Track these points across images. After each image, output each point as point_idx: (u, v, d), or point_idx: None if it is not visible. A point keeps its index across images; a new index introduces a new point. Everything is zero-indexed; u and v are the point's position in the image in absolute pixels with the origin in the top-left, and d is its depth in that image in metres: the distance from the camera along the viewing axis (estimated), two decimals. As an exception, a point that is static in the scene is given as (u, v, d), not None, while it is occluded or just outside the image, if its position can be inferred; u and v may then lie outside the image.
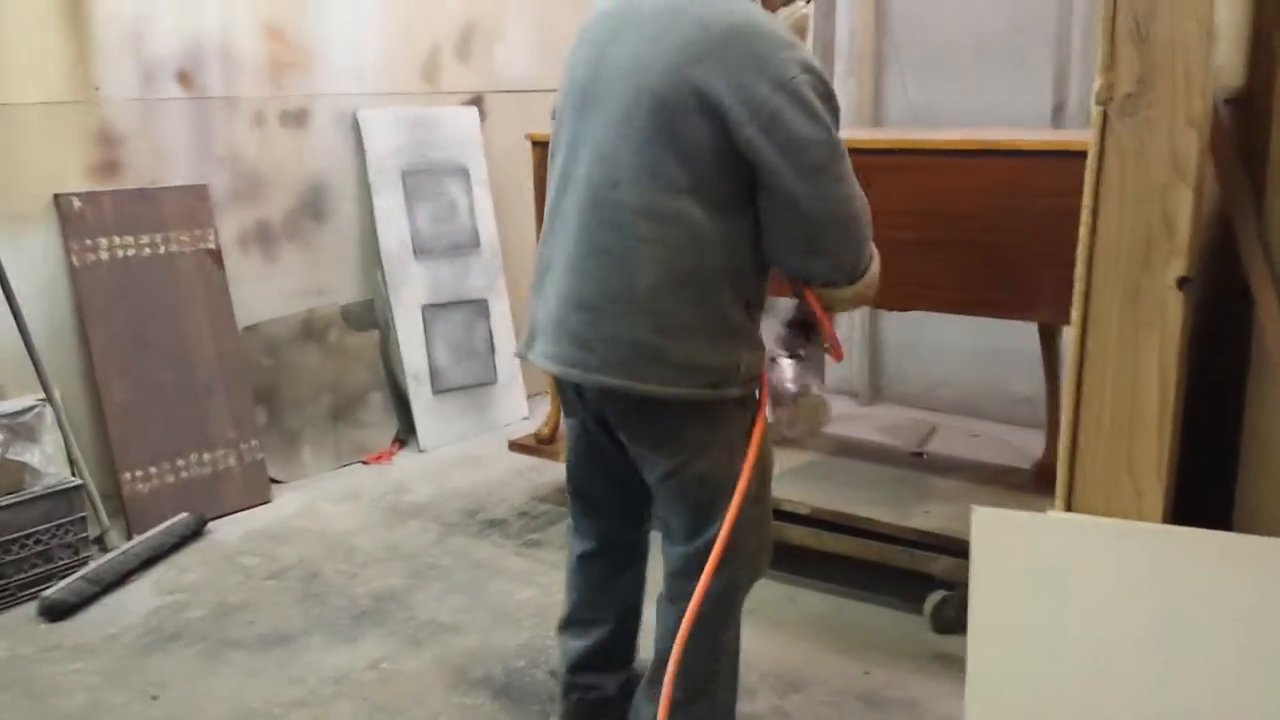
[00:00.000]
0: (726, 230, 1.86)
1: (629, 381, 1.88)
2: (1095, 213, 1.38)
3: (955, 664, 2.64)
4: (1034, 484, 3.25)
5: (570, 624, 2.32)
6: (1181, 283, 1.29)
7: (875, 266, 2.00)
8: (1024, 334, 3.73)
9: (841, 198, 1.85)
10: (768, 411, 2.04)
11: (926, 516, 2.97)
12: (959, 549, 2.87)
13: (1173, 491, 1.31)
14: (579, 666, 2.29)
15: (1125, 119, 1.34)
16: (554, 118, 2.12)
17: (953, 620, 2.81)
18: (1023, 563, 1.31)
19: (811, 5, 2.13)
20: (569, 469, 2.26)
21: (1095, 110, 1.37)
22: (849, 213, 1.88)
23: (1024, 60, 4.11)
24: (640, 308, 1.86)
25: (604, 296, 1.88)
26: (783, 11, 2.05)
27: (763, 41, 1.81)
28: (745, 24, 1.82)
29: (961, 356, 4.36)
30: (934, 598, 2.83)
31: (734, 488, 1.92)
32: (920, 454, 3.52)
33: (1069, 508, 1.39)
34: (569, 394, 2.08)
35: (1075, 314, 1.39)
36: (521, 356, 2.10)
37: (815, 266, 1.93)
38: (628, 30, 1.93)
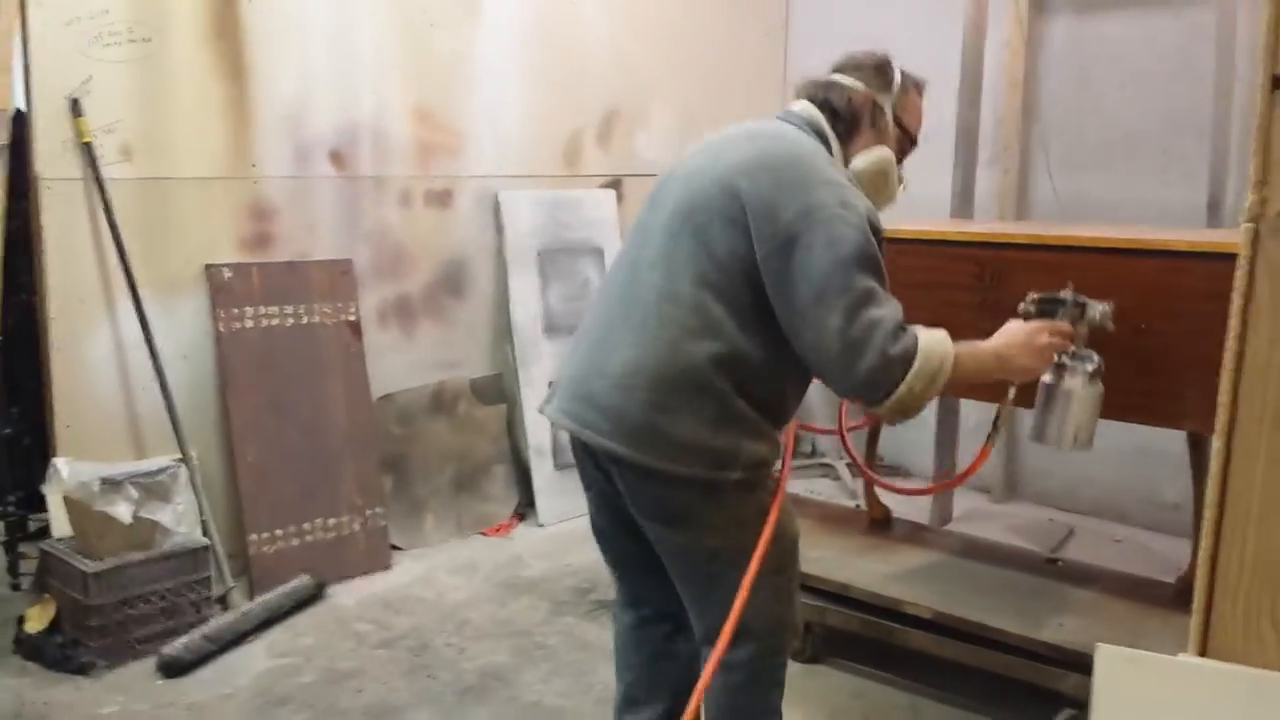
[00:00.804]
0: (741, 332, 1.91)
1: (633, 452, 1.91)
2: (1243, 338, 1.28)
3: (1080, 792, 2.48)
4: (1176, 599, 3.03)
5: (627, 705, 2.27)
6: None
7: (919, 379, 1.87)
8: (1174, 434, 3.54)
9: (836, 330, 1.84)
10: None
11: (1059, 630, 2.80)
12: (1091, 666, 2.70)
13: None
14: None
15: (1278, 238, 1.25)
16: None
17: (1081, 742, 2.64)
18: (1150, 709, 1.20)
19: (890, 153, 2.12)
20: (598, 541, 2.26)
21: (1245, 227, 1.29)
22: (846, 345, 1.84)
23: (1177, 155, 3.96)
24: (646, 384, 1.91)
25: (619, 368, 1.94)
26: (860, 157, 2.10)
27: (805, 171, 1.91)
28: (798, 156, 1.95)
29: (1106, 454, 4.14)
30: (1062, 717, 2.66)
31: (746, 564, 1.90)
32: (1055, 560, 3.34)
33: (1203, 653, 1.27)
34: (583, 456, 2.09)
35: (1218, 443, 1.29)
36: (541, 410, 2.13)
37: (834, 387, 1.94)
38: (709, 147, 2.10)
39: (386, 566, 3.76)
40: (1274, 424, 1.24)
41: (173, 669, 2.97)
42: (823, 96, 2.11)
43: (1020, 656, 2.76)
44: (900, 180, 2.16)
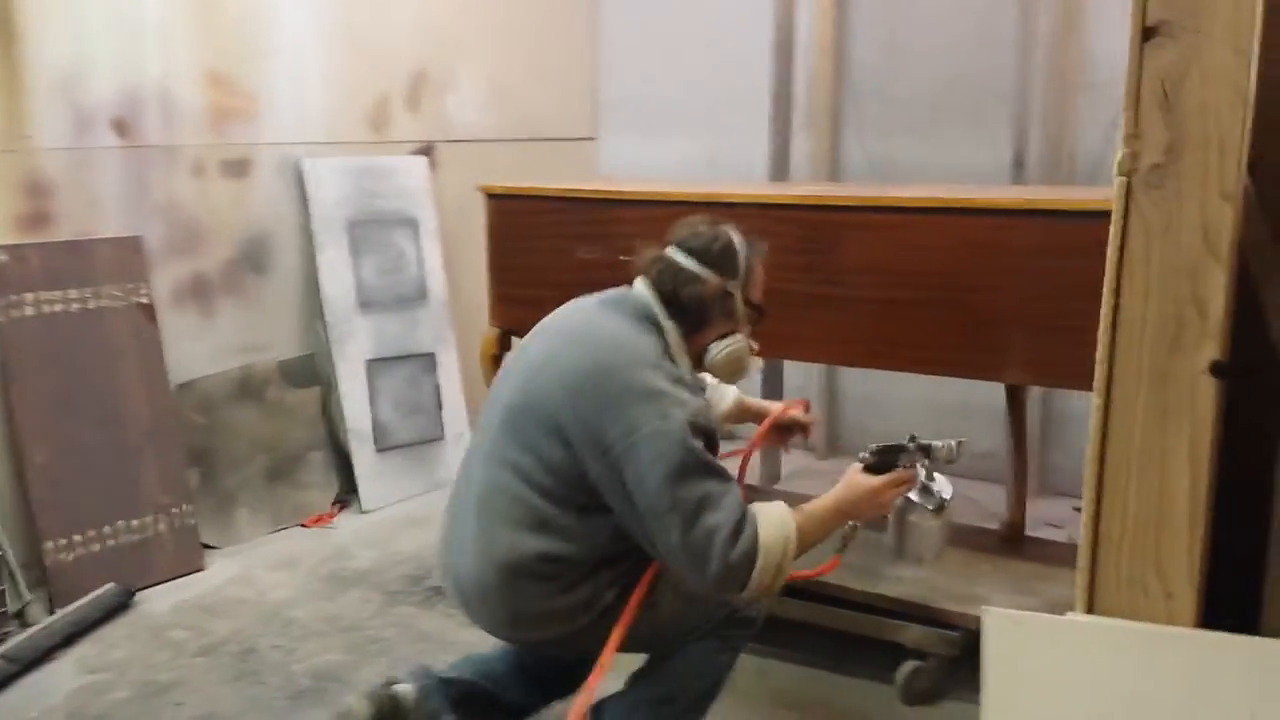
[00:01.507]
0: (575, 523, 2.04)
1: (504, 634, 2.20)
2: (1118, 291, 1.28)
3: (928, 742, 2.53)
4: (1003, 546, 3.16)
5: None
6: (1214, 367, 1.19)
7: (766, 573, 1.98)
8: (986, 388, 3.66)
9: (677, 543, 1.93)
10: None
11: (897, 583, 2.86)
12: (930, 617, 2.77)
13: (1203, 594, 1.20)
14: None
15: (1151, 191, 1.25)
16: None
17: (925, 691, 2.70)
18: (1040, 668, 1.19)
19: (742, 341, 2.22)
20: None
21: (1118, 181, 1.28)
22: (691, 556, 1.94)
23: (981, 116, 4.09)
24: (490, 577, 2.08)
25: (467, 565, 2.12)
26: (714, 348, 2.18)
27: (627, 385, 1.98)
28: (622, 368, 2.01)
29: (923, 410, 4.28)
30: (906, 668, 2.72)
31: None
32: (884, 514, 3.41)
33: (1090, 610, 1.27)
34: None
35: (1096, 400, 1.29)
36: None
37: (694, 587, 2.02)
38: (550, 339, 2.18)
39: (199, 567, 3.51)
40: (1150, 378, 1.25)
41: (-35, 697, 2.68)
42: (670, 288, 2.14)
43: (861, 611, 2.80)
44: (752, 351, 2.25)
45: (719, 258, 2.16)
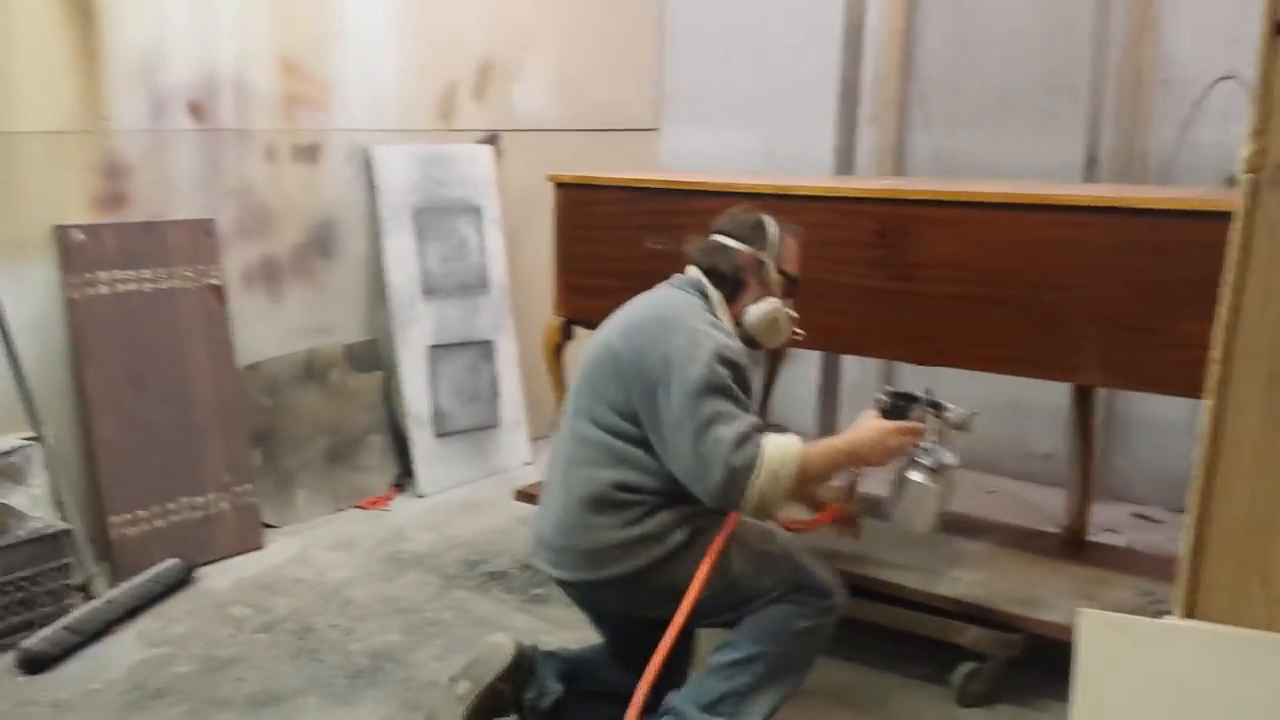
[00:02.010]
0: (637, 453, 2.26)
1: (579, 574, 2.31)
2: (1239, 291, 1.24)
3: (986, 745, 2.50)
4: (1063, 549, 3.11)
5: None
6: (1337, 372, 1.16)
7: (764, 481, 2.12)
8: (1043, 387, 3.60)
9: (688, 450, 2.14)
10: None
11: (955, 584, 2.83)
12: (987, 618, 2.73)
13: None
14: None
15: (1277, 190, 1.21)
16: None
17: (980, 694, 2.66)
18: (1134, 672, 1.16)
19: (777, 303, 2.41)
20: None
21: (1243, 179, 1.24)
22: (698, 461, 2.13)
23: (1052, 112, 4.02)
24: (572, 515, 2.29)
25: (554, 511, 2.34)
26: (751, 310, 2.39)
27: (669, 325, 2.25)
28: (666, 314, 2.30)
29: (978, 405, 4.22)
30: (962, 669, 2.68)
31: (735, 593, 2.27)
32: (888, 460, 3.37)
33: (1189, 614, 1.24)
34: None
35: (1209, 401, 1.25)
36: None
37: (700, 497, 2.18)
38: (616, 314, 2.44)
39: (259, 546, 3.56)
40: (1268, 380, 1.21)
41: (34, 664, 2.74)
42: (709, 263, 2.42)
43: (919, 611, 2.77)
44: (791, 319, 2.44)
45: (750, 231, 2.44)
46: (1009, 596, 2.76)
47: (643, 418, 2.23)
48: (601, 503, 2.24)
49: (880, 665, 2.83)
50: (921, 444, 2.41)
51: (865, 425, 2.32)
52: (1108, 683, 1.20)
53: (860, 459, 2.30)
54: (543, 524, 2.38)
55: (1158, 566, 3.00)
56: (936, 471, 2.45)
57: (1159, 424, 3.87)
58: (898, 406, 2.38)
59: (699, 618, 2.23)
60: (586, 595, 2.40)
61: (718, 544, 2.20)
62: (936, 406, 2.40)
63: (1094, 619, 1.23)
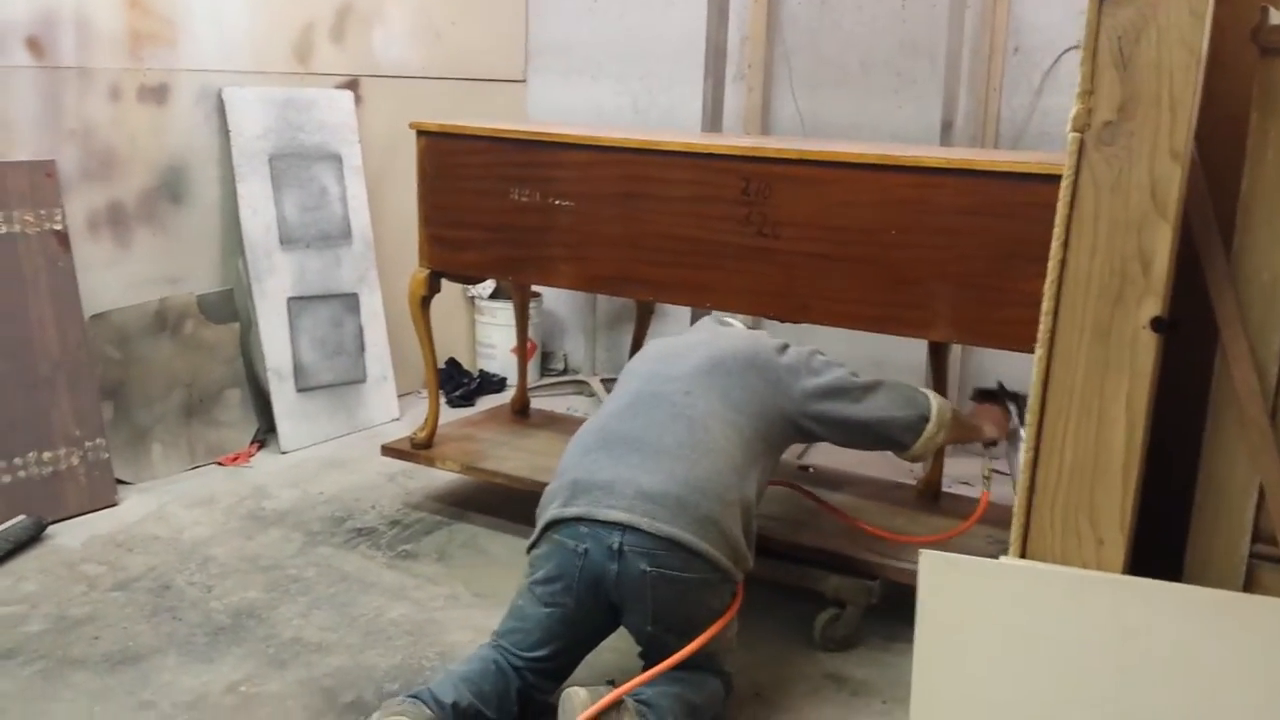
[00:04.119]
0: (747, 457, 2.46)
1: (695, 538, 2.27)
2: (1066, 245, 1.31)
3: (845, 685, 2.61)
4: (920, 500, 3.25)
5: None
6: (1155, 323, 1.24)
7: (936, 426, 2.65)
8: (906, 347, 3.73)
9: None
10: None
11: (817, 533, 2.93)
12: (848, 567, 2.84)
13: (1133, 541, 1.26)
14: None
15: (1103, 148, 1.28)
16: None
17: (840, 638, 2.77)
18: (972, 610, 1.23)
19: None
20: (558, 629, 2.31)
21: (1070, 137, 1.31)
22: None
23: (912, 77, 4.14)
24: (700, 489, 2.33)
25: (681, 477, 2.35)
26: None
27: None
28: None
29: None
30: (824, 616, 2.78)
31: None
32: (806, 467, 3.48)
33: (1023, 554, 1.32)
34: (588, 551, 2.27)
35: (1040, 351, 1.33)
36: (560, 515, 2.33)
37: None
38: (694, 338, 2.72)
39: (113, 503, 3.43)
40: (1093, 332, 1.29)
41: None
42: None
43: (782, 561, 2.86)
44: None
45: None
46: (868, 546, 2.88)
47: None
48: (727, 499, 2.31)
49: (743, 614, 2.91)
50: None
51: (985, 410, 2.86)
52: (947, 619, 1.28)
53: (975, 436, 2.82)
54: (622, 469, 2.31)
55: (1007, 515, 3.16)
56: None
57: (1010, 379, 4.05)
58: (992, 395, 2.92)
59: (683, 659, 2.27)
60: (632, 559, 2.23)
61: (739, 599, 2.38)
62: (1015, 395, 2.86)
63: (934, 559, 1.31)
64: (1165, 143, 1.23)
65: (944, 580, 1.23)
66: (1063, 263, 1.32)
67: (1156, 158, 1.24)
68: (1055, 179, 2.50)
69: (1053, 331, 1.31)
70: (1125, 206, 1.27)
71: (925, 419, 2.63)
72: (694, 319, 4.50)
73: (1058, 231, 1.32)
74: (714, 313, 2.95)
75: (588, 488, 2.30)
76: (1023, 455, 2.84)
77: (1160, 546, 1.33)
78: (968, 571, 1.23)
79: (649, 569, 2.21)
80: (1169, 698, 1.14)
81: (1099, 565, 1.25)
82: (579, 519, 2.26)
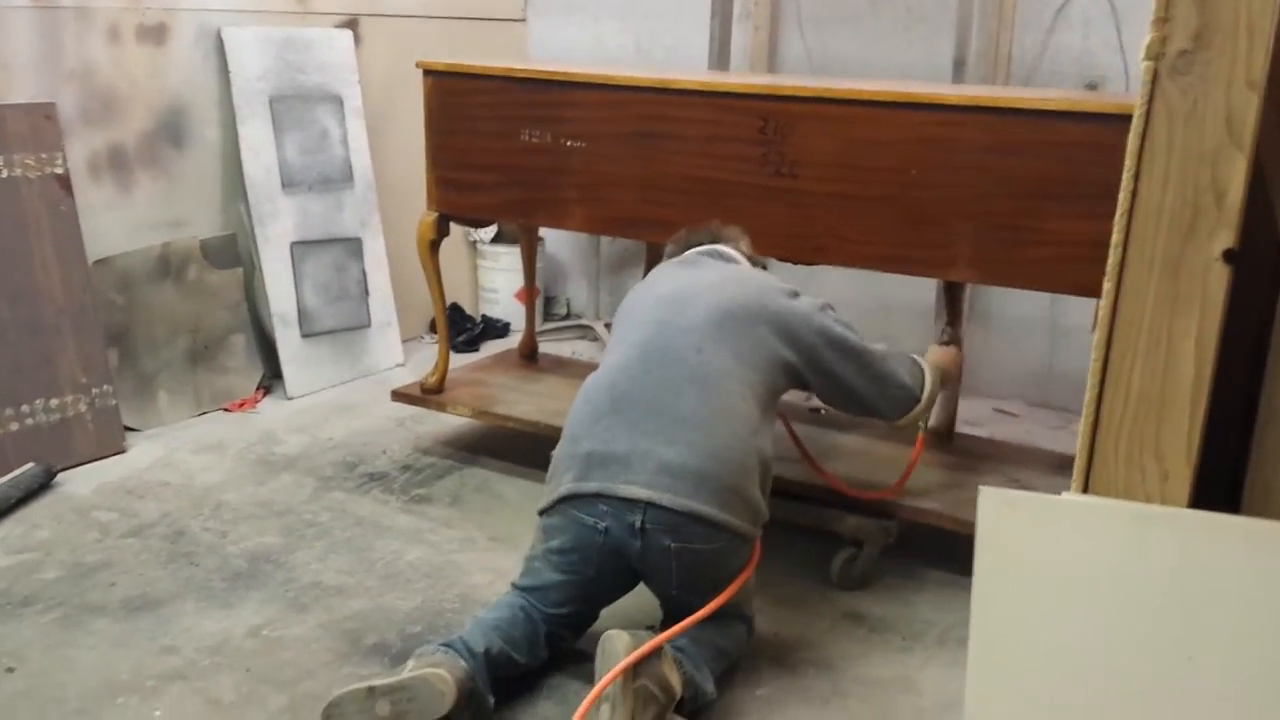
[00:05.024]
0: (762, 412, 2.42)
1: (718, 511, 2.24)
2: (1137, 176, 1.28)
3: (863, 622, 2.62)
4: (933, 442, 3.24)
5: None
6: (1228, 255, 1.22)
7: (923, 407, 2.66)
8: (913, 288, 3.72)
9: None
10: None
11: (834, 474, 2.92)
12: (866, 507, 2.84)
13: (1197, 475, 1.25)
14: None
15: (1177, 77, 1.25)
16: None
17: (857, 578, 2.78)
18: (1034, 549, 1.22)
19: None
20: (577, 593, 2.31)
21: (1144, 66, 1.27)
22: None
23: (921, 14, 4.07)
24: (718, 457, 2.29)
25: (695, 444, 2.29)
26: None
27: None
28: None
29: (848, 310, 4.34)
30: (841, 555, 2.79)
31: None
32: (818, 410, 3.47)
33: (1086, 490, 1.30)
34: (605, 524, 2.23)
35: (1108, 284, 1.30)
36: (575, 490, 2.27)
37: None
38: (692, 275, 2.57)
39: (121, 449, 3.41)
40: (1163, 266, 1.27)
41: (-116, 578, 2.59)
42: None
43: (800, 501, 2.86)
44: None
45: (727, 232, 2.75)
46: (885, 486, 2.88)
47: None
48: (747, 465, 2.28)
49: (763, 555, 2.92)
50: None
51: (945, 352, 2.88)
52: (1008, 558, 1.26)
53: (953, 378, 2.90)
54: (640, 439, 2.24)
55: (1021, 456, 3.17)
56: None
57: (1019, 321, 4.05)
58: (955, 337, 3.05)
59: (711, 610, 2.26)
60: (654, 535, 2.19)
61: (758, 551, 2.36)
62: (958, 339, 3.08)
63: (994, 496, 1.28)
64: (1242, 71, 1.21)
65: (1004, 518, 1.21)
66: (1133, 195, 1.29)
67: (1233, 87, 1.21)
68: (1078, 117, 2.52)
69: (1121, 265, 1.28)
70: (1199, 137, 1.24)
71: (915, 400, 2.61)
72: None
73: (1129, 164, 1.29)
74: (714, 230, 2.73)
75: (604, 460, 2.24)
76: None
77: (1213, 478, 1.33)
78: (1029, 509, 1.21)
79: (673, 544, 2.19)
80: (1235, 632, 1.13)
81: (1163, 499, 1.25)
82: (597, 495, 2.21)
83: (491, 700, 2.17)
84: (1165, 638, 1.16)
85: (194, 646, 2.43)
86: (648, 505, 2.18)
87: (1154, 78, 1.26)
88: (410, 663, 2.12)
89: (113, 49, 3.56)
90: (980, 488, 1.23)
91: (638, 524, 2.18)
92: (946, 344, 2.99)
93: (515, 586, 2.35)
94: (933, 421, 3.07)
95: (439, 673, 2.05)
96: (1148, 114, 1.27)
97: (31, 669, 2.32)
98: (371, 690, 2.02)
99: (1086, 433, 1.30)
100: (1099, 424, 1.28)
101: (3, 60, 3.27)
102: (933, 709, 2.30)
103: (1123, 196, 1.30)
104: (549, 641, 2.30)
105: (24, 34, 3.31)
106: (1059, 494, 1.25)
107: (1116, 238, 1.29)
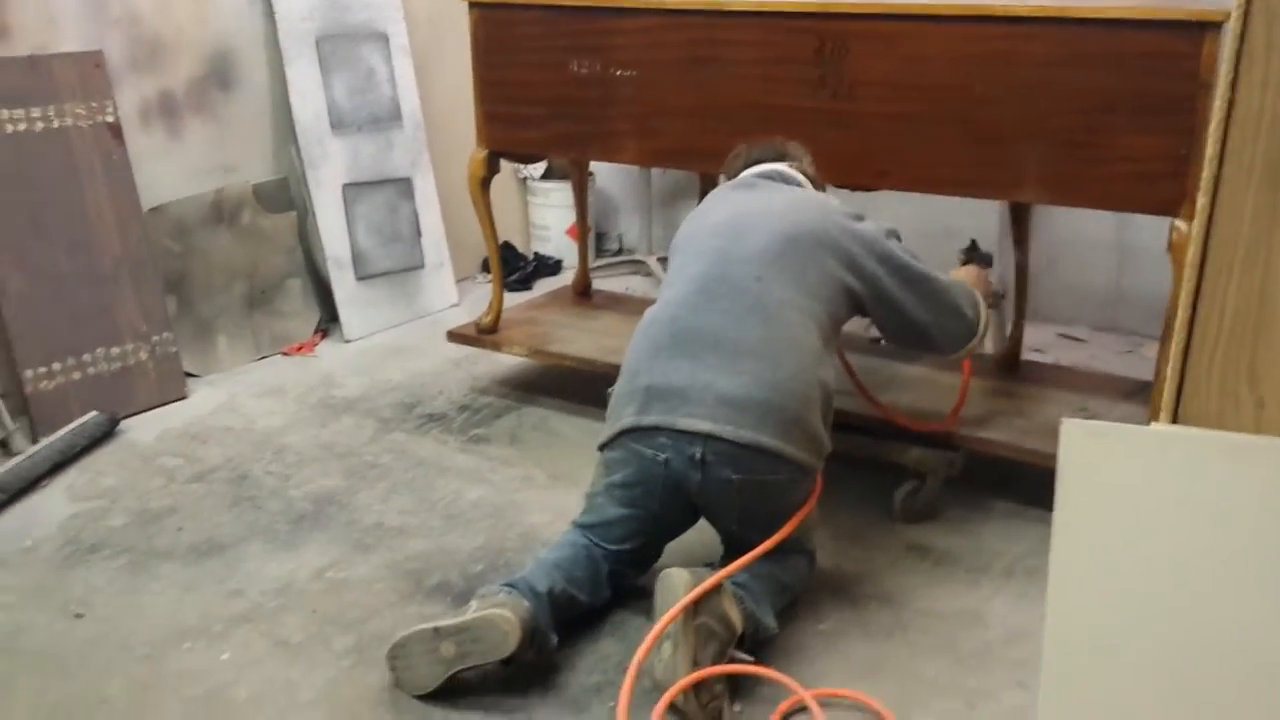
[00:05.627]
0: (825, 345, 2.38)
1: (781, 443, 2.21)
2: (1235, 84, 1.19)
3: (927, 555, 2.58)
4: (998, 370, 3.16)
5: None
6: (1334, 164, 1.13)
7: (978, 340, 2.60)
8: (970, 212, 3.60)
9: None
10: None
11: (895, 406, 2.86)
12: (928, 438, 2.78)
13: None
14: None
15: None
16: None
17: (921, 510, 2.73)
18: (1119, 482, 1.15)
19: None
20: (637, 526, 2.28)
21: None
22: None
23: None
24: (780, 389, 2.24)
25: (760, 376, 2.24)
26: None
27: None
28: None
29: (910, 237, 4.23)
30: (904, 488, 2.73)
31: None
32: (878, 339, 3.39)
33: (1175, 420, 1.23)
34: (666, 457, 2.19)
35: (1202, 199, 1.22)
36: (636, 423, 2.24)
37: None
38: (752, 197, 2.51)
39: (182, 396, 3.44)
40: (1263, 177, 1.18)
41: (-41, 526, 2.64)
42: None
43: (862, 434, 2.81)
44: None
45: (791, 149, 2.67)
46: (943, 416, 2.81)
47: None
48: (809, 396, 2.23)
49: (824, 489, 2.88)
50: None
51: (968, 272, 2.75)
52: (1091, 492, 1.20)
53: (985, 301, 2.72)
54: (700, 371, 2.19)
55: (1088, 382, 3.08)
56: (997, 300, 2.86)
57: (1084, 243, 3.92)
58: (969, 257, 2.88)
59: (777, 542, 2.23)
60: (715, 467, 2.15)
61: (820, 484, 2.32)
62: (987, 257, 2.90)
63: (1076, 428, 1.22)
64: (1351, -40, 1.11)
65: (1088, 450, 1.15)
66: (1230, 102, 1.20)
67: (1340, -22, 1.11)
68: (1154, 25, 2.39)
69: (1217, 177, 1.19)
70: (1303, 37, 1.15)
71: (973, 333, 2.55)
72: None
73: (1225, 69, 1.20)
74: (778, 146, 2.64)
75: (664, 394, 2.20)
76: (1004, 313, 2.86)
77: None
78: (1114, 440, 1.14)
79: (734, 476, 2.15)
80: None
81: (1258, 429, 1.17)
82: (656, 428, 2.18)
83: (555, 639, 2.17)
84: (1259, 577, 1.10)
85: (259, 589, 2.45)
86: (708, 437, 2.14)
87: (1254, -22, 1.16)
88: (473, 603, 2.11)
89: (157, -7, 3.53)
90: (1063, 420, 1.17)
91: (698, 456, 2.15)
92: (966, 264, 2.85)
93: (577, 524, 2.33)
94: (991, 349, 2.99)
95: (503, 613, 2.04)
96: (1246, 13, 1.17)
97: (100, 614, 2.36)
98: (437, 631, 2.03)
99: (1177, 358, 1.23)
100: (1190, 348, 1.20)
101: (49, 11, 3.25)
102: (999, 641, 2.26)
103: (1218, 104, 1.20)
104: (611, 580, 2.29)
105: (68, -19, 3.29)
106: (1132, 422, 1.18)
107: (1211, 149, 1.20)
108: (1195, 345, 1.22)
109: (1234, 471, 1.10)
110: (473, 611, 2.07)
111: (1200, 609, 1.16)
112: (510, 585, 2.14)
